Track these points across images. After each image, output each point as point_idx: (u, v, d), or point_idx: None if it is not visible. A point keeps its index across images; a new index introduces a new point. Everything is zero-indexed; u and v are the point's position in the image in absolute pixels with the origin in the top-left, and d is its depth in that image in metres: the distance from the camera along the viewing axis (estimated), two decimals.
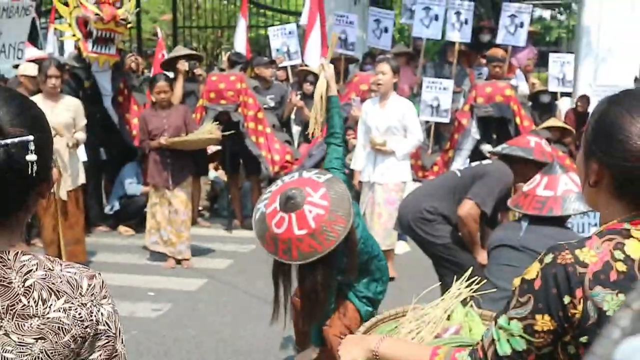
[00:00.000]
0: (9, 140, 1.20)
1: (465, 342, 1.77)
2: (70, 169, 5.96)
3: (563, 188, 3.58)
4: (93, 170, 7.28)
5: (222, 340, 4.76)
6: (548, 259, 1.35)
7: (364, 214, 6.08)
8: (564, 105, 9.90)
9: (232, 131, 7.15)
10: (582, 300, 1.29)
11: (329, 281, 3.24)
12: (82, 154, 6.47)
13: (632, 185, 1.34)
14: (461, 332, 1.87)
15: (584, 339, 1.30)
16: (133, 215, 7.70)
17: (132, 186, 7.65)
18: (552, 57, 9.71)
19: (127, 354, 4.19)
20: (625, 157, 1.33)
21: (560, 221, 3.59)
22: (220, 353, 4.55)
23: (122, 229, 7.70)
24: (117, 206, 7.76)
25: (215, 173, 8.92)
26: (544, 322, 1.32)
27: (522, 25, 9.02)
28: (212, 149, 7.67)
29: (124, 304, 5.45)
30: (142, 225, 7.10)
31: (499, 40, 9.14)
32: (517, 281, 1.40)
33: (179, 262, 6.47)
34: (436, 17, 8.87)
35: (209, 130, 6.76)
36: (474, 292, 2.09)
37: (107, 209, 7.89)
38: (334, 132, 3.70)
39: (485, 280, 2.97)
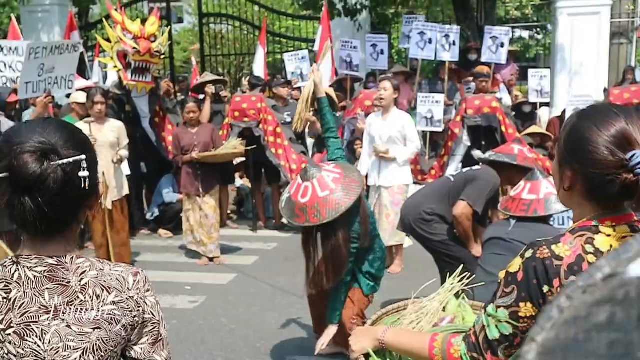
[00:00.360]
0: (65, 160, 1.23)
1: (459, 329, 1.77)
2: (116, 182, 5.99)
3: (544, 191, 3.67)
4: (135, 182, 7.31)
5: (250, 327, 4.76)
6: (528, 254, 1.37)
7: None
8: (544, 114, 9.84)
9: (254, 145, 7.18)
10: (559, 289, 1.31)
11: (348, 238, 3.27)
12: (125, 168, 6.49)
13: (601, 190, 1.35)
14: (456, 321, 1.87)
15: None
16: (171, 220, 7.73)
17: (169, 195, 7.68)
18: (531, 72, 9.69)
19: (171, 341, 4.23)
20: (594, 166, 1.34)
21: (543, 219, 3.60)
22: (249, 339, 4.56)
23: (161, 232, 7.73)
24: (156, 212, 7.80)
25: (241, 181, 8.94)
26: (526, 309, 1.34)
27: (502, 45, 9.05)
28: (237, 160, 7.69)
29: (165, 298, 5.48)
30: (179, 228, 7.13)
31: (483, 59, 9.15)
32: (502, 274, 1.42)
33: (211, 259, 6.49)
34: (430, 41, 8.87)
35: (234, 146, 6.82)
36: (465, 285, 2.09)
37: (148, 215, 7.93)
38: (329, 127, 3.65)
39: (474, 275, 3.00)
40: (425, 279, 5.70)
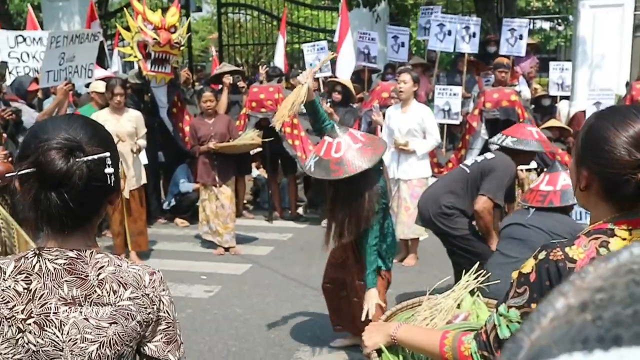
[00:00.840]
0: (90, 157, 1.25)
1: (472, 327, 1.77)
2: (134, 171, 6.05)
3: (562, 183, 3.73)
4: (153, 171, 7.37)
5: (264, 317, 4.79)
6: (542, 255, 1.36)
7: (391, 206, 6.09)
8: (563, 107, 9.72)
9: (272, 137, 7.20)
10: None
11: (376, 189, 3.35)
12: (143, 157, 6.55)
13: (617, 190, 1.35)
14: (469, 319, 1.87)
15: None
16: (186, 209, 7.79)
17: (185, 185, 7.73)
18: (552, 64, 9.58)
19: (184, 329, 4.25)
20: (610, 165, 1.34)
21: (562, 210, 3.61)
22: (263, 329, 4.59)
23: (178, 221, 7.78)
24: (173, 202, 7.86)
25: (257, 171, 8.96)
26: None
27: (521, 37, 8.96)
28: (254, 150, 7.72)
29: (180, 286, 5.54)
30: (195, 217, 7.19)
31: (502, 51, 9.06)
32: (515, 274, 1.41)
33: (227, 249, 6.53)
34: (449, 32, 8.80)
35: (251, 137, 6.84)
36: (480, 283, 2.09)
37: (165, 205, 7.99)
38: (324, 118, 3.59)
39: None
40: (439, 272, 5.70)
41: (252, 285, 5.55)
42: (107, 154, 1.28)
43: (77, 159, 1.24)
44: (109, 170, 1.27)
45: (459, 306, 1.96)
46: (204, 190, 6.52)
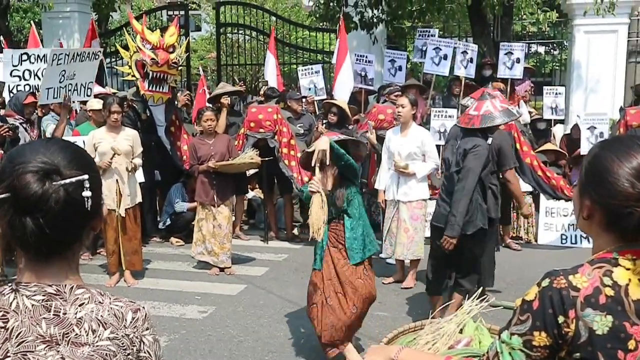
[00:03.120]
0: (67, 180, 1.21)
1: (475, 353, 1.75)
2: (129, 190, 6.02)
3: (484, 109, 4.53)
4: (149, 190, 7.34)
5: (259, 339, 4.74)
6: (545, 282, 1.35)
7: (389, 229, 6.07)
8: (558, 131, 9.79)
9: (271, 157, 7.20)
10: (574, 320, 1.30)
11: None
12: (139, 176, 6.52)
13: (620, 221, 1.34)
14: (472, 344, 1.84)
15: (577, 355, 1.31)
16: (182, 229, 7.75)
17: (179, 204, 7.69)
18: (546, 89, 9.66)
19: (178, 350, 4.18)
20: (613, 197, 1.34)
21: (482, 130, 4.53)
22: (257, 351, 4.53)
23: (173, 240, 7.74)
24: (168, 221, 7.82)
25: (252, 192, 8.94)
26: (540, 338, 1.32)
27: (518, 60, 9.07)
28: (251, 172, 7.70)
29: (174, 307, 5.48)
30: (191, 236, 7.14)
31: (499, 74, 9.15)
32: (518, 301, 1.40)
33: (222, 269, 6.48)
34: (445, 57, 8.88)
35: (250, 156, 6.84)
36: (482, 309, 2.06)
37: (160, 224, 7.94)
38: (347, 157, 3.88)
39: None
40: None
41: (246, 306, 5.49)
42: (86, 176, 1.23)
43: (53, 182, 1.19)
44: (86, 193, 1.22)
45: (461, 331, 1.94)
46: (202, 210, 6.48)
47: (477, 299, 2.06)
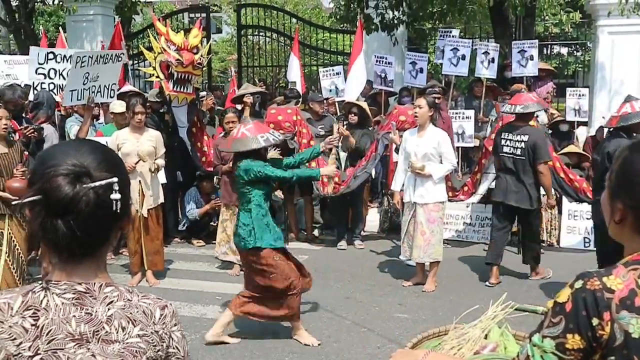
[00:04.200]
0: (97, 183, 1.22)
1: (501, 358, 1.72)
2: (152, 190, 6.06)
3: (623, 111, 5.45)
4: (171, 190, 7.38)
5: (279, 340, 4.74)
6: (578, 284, 1.32)
7: (406, 231, 6.02)
8: (582, 133, 9.64)
9: (290, 157, 7.19)
10: (609, 323, 1.26)
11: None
12: (162, 177, 6.56)
13: None
14: (498, 350, 1.81)
15: (611, 359, 1.27)
16: (201, 230, 7.78)
17: (191, 212, 7.65)
18: (569, 91, 9.53)
19: (198, 350, 4.19)
20: None
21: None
22: (278, 352, 4.53)
23: (194, 240, 7.77)
24: (187, 223, 7.83)
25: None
26: (574, 341, 1.29)
27: (531, 57, 8.96)
28: None
29: (195, 307, 5.51)
30: (211, 237, 7.17)
31: (513, 72, 9.06)
32: (549, 303, 1.37)
33: (243, 269, 6.48)
34: (463, 57, 8.81)
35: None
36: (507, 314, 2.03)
37: (180, 226, 7.94)
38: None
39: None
40: (456, 297, 5.62)
41: None
42: (115, 179, 1.24)
43: (83, 185, 1.20)
44: (115, 196, 1.23)
45: (486, 337, 1.91)
46: (226, 210, 6.50)
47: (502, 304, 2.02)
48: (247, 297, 4.65)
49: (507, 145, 5.99)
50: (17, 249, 5.10)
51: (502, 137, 6.05)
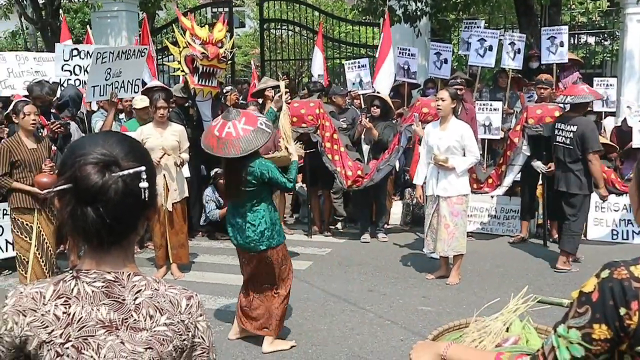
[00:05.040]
0: (125, 172, 1.25)
1: (525, 351, 1.70)
2: (176, 184, 6.12)
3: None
4: (195, 184, 7.44)
5: (302, 332, 4.76)
6: (605, 274, 1.30)
7: (430, 224, 5.99)
8: (609, 123, 9.46)
9: (313, 149, 7.20)
10: (637, 312, 1.24)
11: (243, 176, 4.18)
12: (186, 171, 6.61)
13: None
14: (520, 343, 1.80)
15: (639, 349, 1.24)
16: (223, 226, 7.79)
17: (212, 213, 7.65)
18: (596, 80, 9.34)
19: (223, 342, 4.23)
20: None
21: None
22: (301, 344, 4.55)
23: (218, 234, 7.82)
24: (208, 220, 7.84)
25: (299, 184, 8.96)
26: (601, 331, 1.27)
27: (562, 44, 8.80)
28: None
29: (220, 299, 5.56)
30: None
31: (543, 60, 8.90)
32: (575, 294, 1.35)
33: None
34: (490, 48, 8.70)
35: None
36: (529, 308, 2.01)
37: (201, 221, 7.95)
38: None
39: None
40: (479, 290, 5.58)
41: (290, 300, 5.49)
42: (143, 167, 1.27)
43: (112, 174, 1.24)
44: (143, 184, 1.27)
45: (508, 330, 1.89)
46: None
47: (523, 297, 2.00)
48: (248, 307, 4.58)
49: (560, 135, 6.37)
50: (46, 243, 5.21)
51: (556, 127, 6.44)
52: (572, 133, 6.21)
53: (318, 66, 10.16)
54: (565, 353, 1.30)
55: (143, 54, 6.98)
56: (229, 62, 9.34)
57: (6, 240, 6.30)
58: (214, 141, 4.04)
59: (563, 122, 6.38)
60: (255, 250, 4.31)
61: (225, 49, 7.11)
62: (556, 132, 6.43)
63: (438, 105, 5.81)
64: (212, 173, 7.70)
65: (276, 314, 4.46)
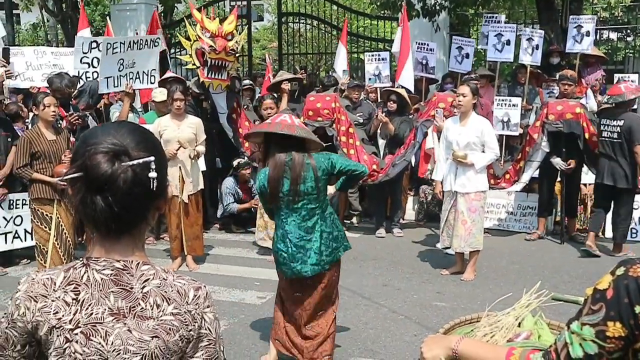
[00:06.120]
0: (135, 161, 1.26)
1: (537, 346, 1.69)
2: (192, 176, 6.15)
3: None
4: (211, 177, 7.48)
5: None
6: (620, 271, 1.28)
7: (446, 219, 5.96)
8: None
9: (329, 143, 7.20)
10: None
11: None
12: (202, 163, 6.65)
13: None
14: (531, 338, 1.78)
15: None
16: (239, 218, 7.84)
17: (230, 206, 7.66)
18: (618, 77, 9.21)
19: (236, 334, 4.25)
20: None
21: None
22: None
23: (234, 227, 7.86)
24: (225, 213, 7.87)
25: None
26: (615, 329, 1.25)
27: (588, 34, 8.65)
28: None
29: (234, 292, 5.59)
30: (250, 224, 7.23)
31: (567, 48, 8.75)
32: (589, 290, 1.33)
33: None
34: (508, 42, 8.61)
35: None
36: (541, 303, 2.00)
37: (218, 213, 8.00)
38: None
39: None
40: (495, 287, 5.56)
41: None
42: (152, 158, 1.28)
43: (122, 163, 1.25)
44: (152, 174, 1.28)
45: (519, 325, 1.88)
46: None
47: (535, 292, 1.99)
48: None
49: (606, 130, 6.67)
50: (65, 233, 5.28)
51: (602, 122, 6.74)
52: (619, 127, 6.53)
53: (342, 62, 10.14)
54: (579, 350, 1.29)
55: (156, 43, 6.99)
56: (240, 55, 9.36)
57: (25, 229, 6.40)
58: (265, 125, 3.80)
59: (608, 117, 6.67)
60: (331, 262, 3.81)
61: (236, 42, 7.11)
62: (602, 127, 6.75)
63: (459, 102, 5.76)
64: (235, 163, 7.66)
65: (332, 335, 3.94)
